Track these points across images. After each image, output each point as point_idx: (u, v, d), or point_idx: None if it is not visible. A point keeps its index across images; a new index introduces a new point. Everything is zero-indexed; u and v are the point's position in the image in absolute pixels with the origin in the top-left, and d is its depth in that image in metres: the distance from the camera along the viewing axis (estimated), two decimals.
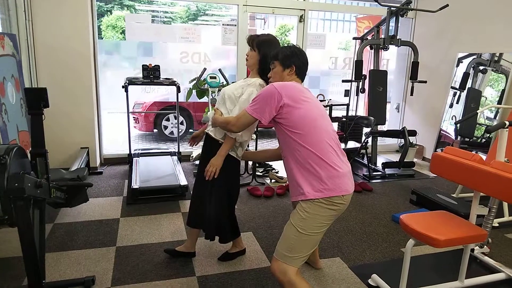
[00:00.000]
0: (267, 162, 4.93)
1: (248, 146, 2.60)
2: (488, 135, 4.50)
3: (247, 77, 2.51)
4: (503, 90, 4.46)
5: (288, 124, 1.93)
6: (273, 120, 1.99)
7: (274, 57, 2.15)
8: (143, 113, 6.63)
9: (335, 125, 5.80)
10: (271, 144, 6.95)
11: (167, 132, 6.83)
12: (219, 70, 4.70)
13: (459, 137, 4.93)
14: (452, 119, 5.10)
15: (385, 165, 4.94)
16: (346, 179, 1.93)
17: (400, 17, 4.86)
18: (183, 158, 5.09)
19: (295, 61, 2.09)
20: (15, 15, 3.88)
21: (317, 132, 1.91)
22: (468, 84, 4.92)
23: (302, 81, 2.17)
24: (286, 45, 2.20)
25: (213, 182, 2.41)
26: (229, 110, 2.34)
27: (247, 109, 2.01)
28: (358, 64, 4.81)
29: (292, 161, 1.97)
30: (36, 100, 2.08)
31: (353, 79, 5.01)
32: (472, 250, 2.84)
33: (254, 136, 4.52)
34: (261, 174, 4.70)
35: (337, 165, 1.91)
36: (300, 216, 1.91)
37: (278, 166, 4.95)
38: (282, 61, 2.10)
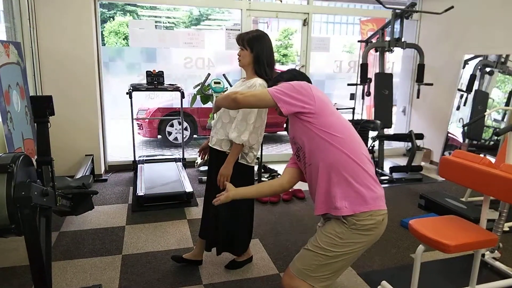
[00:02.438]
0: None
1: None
2: (496, 137, 4.45)
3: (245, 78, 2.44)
4: (511, 92, 4.42)
5: (322, 124, 1.67)
6: (298, 119, 1.72)
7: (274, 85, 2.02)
8: (147, 119, 6.63)
9: None
10: (276, 149, 6.92)
11: (171, 138, 6.82)
12: (223, 75, 4.69)
13: (467, 140, 4.89)
14: (459, 122, 5.06)
15: (393, 169, 4.90)
16: (382, 196, 1.73)
17: (405, 20, 4.84)
18: (188, 164, 5.07)
19: (295, 80, 1.94)
20: (19, 23, 3.90)
21: (355, 141, 1.70)
22: (475, 86, 4.88)
23: None
24: (284, 70, 2.06)
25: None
26: (232, 117, 2.31)
27: (269, 89, 1.74)
28: (363, 67, 4.79)
29: (326, 169, 1.68)
30: (41, 108, 2.07)
31: (359, 82, 4.99)
32: (483, 255, 2.80)
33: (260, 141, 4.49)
34: (266, 180, 4.67)
35: (378, 180, 1.71)
36: (331, 241, 1.67)
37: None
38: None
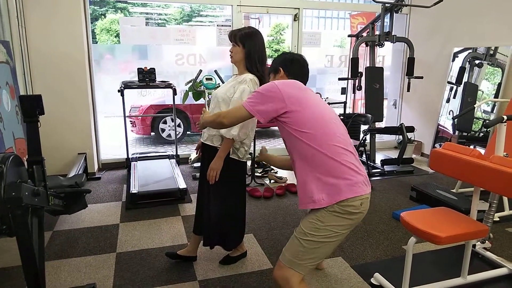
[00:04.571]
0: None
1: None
2: (486, 129, 4.50)
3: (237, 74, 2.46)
4: (500, 84, 4.46)
5: (294, 123, 1.73)
6: (277, 120, 1.80)
7: (269, 70, 2.09)
8: (140, 117, 6.61)
9: None
10: (269, 144, 6.93)
11: (164, 135, 6.81)
12: (215, 71, 4.69)
13: (457, 132, 4.93)
14: (449, 114, 5.10)
15: (384, 162, 4.94)
16: (362, 182, 1.77)
17: (394, 13, 4.85)
18: (181, 161, 5.07)
19: (282, 65, 1.99)
20: (7, 21, 3.85)
21: (327, 133, 1.73)
22: (465, 79, 4.92)
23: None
24: (281, 52, 2.10)
25: (213, 188, 2.40)
26: None
27: (243, 103, 1.81)
28: (354, 61, 4.80)
29: (303, 166, 1.77)
30: (31, 107, 2.06)
31: (350, 76, 5.00)
32: (474, 245, 2.83)
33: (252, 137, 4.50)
34: (260, 175, 4.69)
35: (356, 166, 1.75)
36: (313, 226, 1.74)
37: None
38: (272, 69, 2.04)
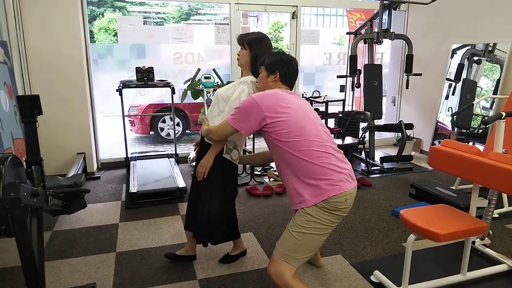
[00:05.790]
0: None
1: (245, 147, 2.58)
2: (484, 126, 4.50)
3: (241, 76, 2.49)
4: (498, 80, 4.46)
5: (275, 132, 1.90)
6: (261, 130, 1.97)
7: (261, 63, 2.16)
8: (139, 116, 6.60)
9: (331, 121, 5.79)
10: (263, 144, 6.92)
11: (163, 134, 6.80)
12: (214, 70, 4.68)
13: (456, 129, 4.93)
14: (448, 111, 5.10)
15: (383, 159, 4.93)
16: (344, 179, 1.89)
17: (393, 10, 4.84)
18: (180, 160, 5.06)
19: (280, 68, 2.07)
20: (5, 21, 3.84)
21: (306, 140, 1.87)
22: (463, 75, 4.91)
23: (291, 88, 2.14)
24: (276, 51, 2.18)
25: (203, 185, 2.39)
26: (220, 110, 2.33)
27: (228, 118, 1.99)
28: (353, 59, 4.79)
29: (287, 171, 1.94)
30: (29, 108, 2.05)
31: (348, 74, 4.99)
32: (473, 242, 2.83)
33: (251, 136, 4.50)
34: (259, 173, 4.68)
35: (336, 166, 1.89)
36: (304, 219, 1.88)
37: None
38: (267, 67, 2.10)
